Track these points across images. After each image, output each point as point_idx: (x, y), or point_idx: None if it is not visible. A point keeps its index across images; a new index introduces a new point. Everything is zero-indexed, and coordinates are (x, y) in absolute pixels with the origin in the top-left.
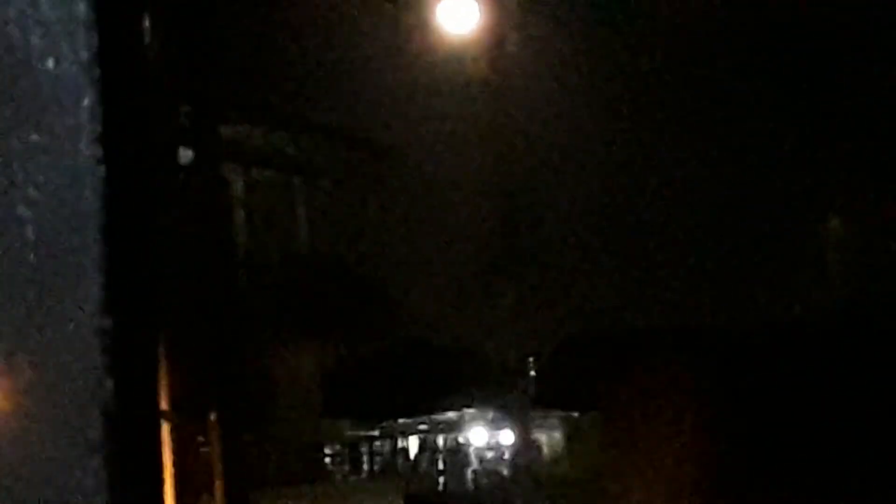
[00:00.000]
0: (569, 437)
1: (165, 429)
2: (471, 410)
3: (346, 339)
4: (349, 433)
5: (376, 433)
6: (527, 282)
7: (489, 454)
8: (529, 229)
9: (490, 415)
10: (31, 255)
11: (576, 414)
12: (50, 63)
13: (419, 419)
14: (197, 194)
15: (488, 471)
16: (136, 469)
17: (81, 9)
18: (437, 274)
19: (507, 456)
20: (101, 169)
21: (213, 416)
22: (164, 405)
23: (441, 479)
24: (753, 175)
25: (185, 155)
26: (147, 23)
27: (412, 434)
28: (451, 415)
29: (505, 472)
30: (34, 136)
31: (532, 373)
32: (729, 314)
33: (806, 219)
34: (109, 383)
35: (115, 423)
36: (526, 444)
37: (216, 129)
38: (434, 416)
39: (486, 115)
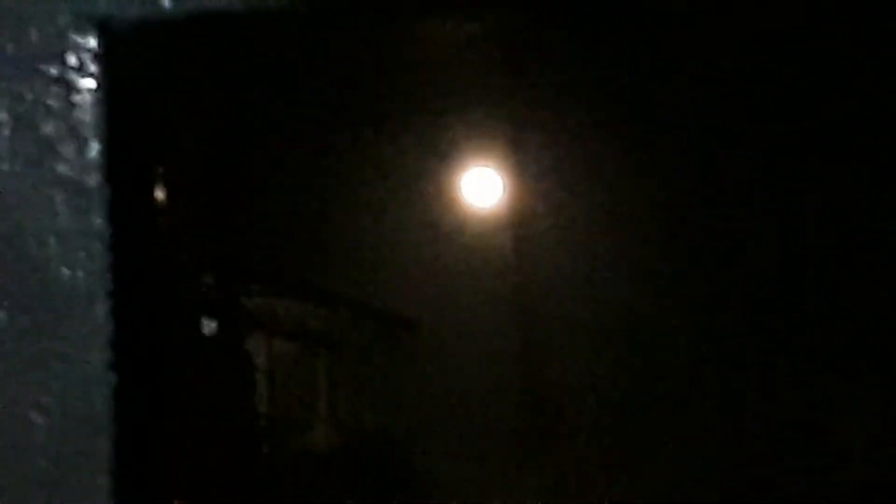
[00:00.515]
0: None
1: None
2: None
3: None
4: None
5: None
6: (553, 457)
7: None
8: (556, 403)
9: None
10: (42, 461)
11: None
12: (65, 273)
13: None
14: (220, 364)
15: None
16: None
17: (97, 221)
18: (461, 448)
19: None
20: (112, 376)
21: None
22: None
23: None
24: (776, 363)
25: (209, 325)
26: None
27: None
28: None
29: None
30: (48, 344)
31: None
32: (758, 494)
33: (829, 395)
34: None
35: None
36: None
37: (239, 300)
38: None
39: (510, 287)
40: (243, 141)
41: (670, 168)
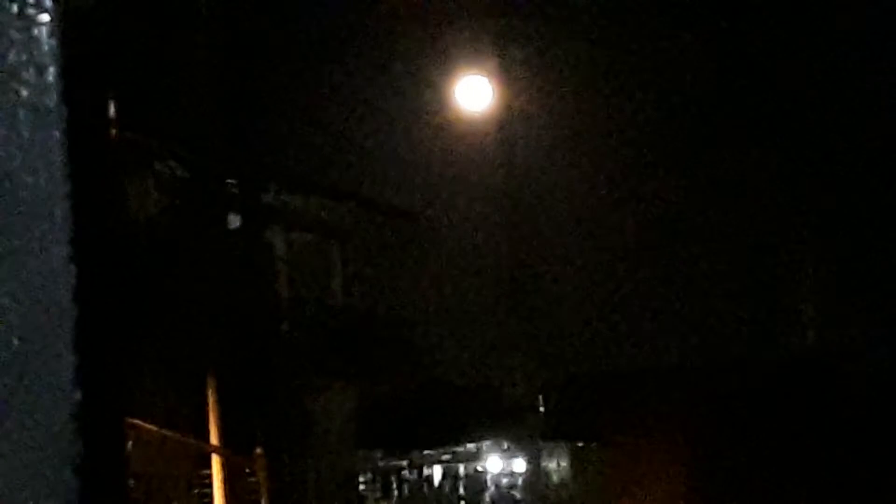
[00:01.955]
0: (573, 466)
1: (217, 461)
2: (488, 442)
3: (378, 380)
4: (381, 463)
5: (405, 463)
6: (537, 329)
7: (504, 480)
8: (539, 282)
9: (505, 445)
10: (15, 340)
11: (580, 445)
12: (28, 180)
13: (443, 450)
14: (245, 254)
15: (503, 495)
16: None
17: (55, 135)
18: (458, 322)
19: (519, 482)
20: (72, 268)
21: (259, 450)
22: (215, 440)
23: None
24: (739, 230)
25: (234, 220)
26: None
27: (436, 463)
28: (470, 446)
29: (518, 496)
30: (17, 241)
31: (542, 408)
32: (715, 355)
33: (785, 271)
34: (80, 445)
35: (84, 483)
36: (536, 472)
37: (260, 198)
38: (456, 448)
39: (498, 181)
40: (257, 55)
41: (650, 74)
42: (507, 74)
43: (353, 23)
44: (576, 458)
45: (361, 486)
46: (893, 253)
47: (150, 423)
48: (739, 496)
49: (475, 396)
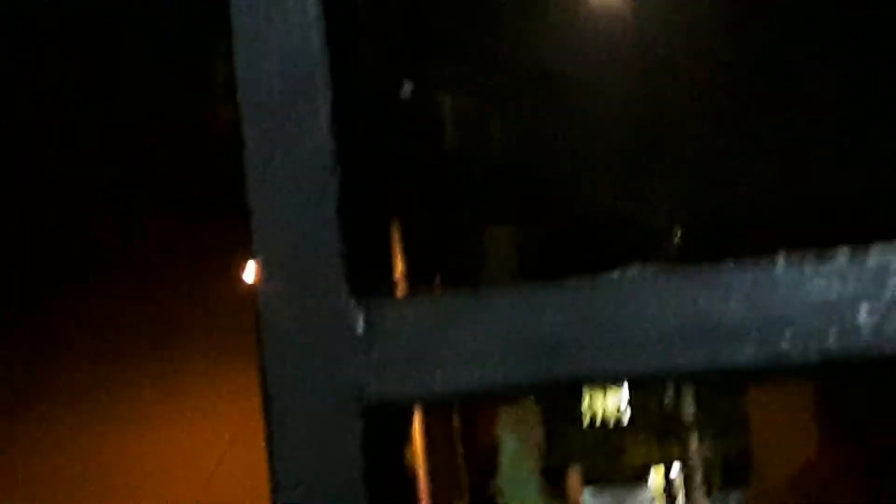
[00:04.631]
0: None
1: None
2: (631, 269)
3: (531, 220)
4: None
5: None
6: (671, 166)
7: None
8: (668, 132)
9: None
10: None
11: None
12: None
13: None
14: (416, 115)
15: None
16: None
17: (315, 21)
18: (601, 166)
19: None
20: (332, 138)
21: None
22: (399, 274)
23: None
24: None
25: (407, 87)
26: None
27: None
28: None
29: None
30: (290, 128)
31: (676, 238)
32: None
33: None
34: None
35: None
36: None
37: (427, 68)
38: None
39: (630, 46)
40: None
41: None
42: None
43: None
44: None
45: None
46: None
47: None
48: None
49: (619, 230)
